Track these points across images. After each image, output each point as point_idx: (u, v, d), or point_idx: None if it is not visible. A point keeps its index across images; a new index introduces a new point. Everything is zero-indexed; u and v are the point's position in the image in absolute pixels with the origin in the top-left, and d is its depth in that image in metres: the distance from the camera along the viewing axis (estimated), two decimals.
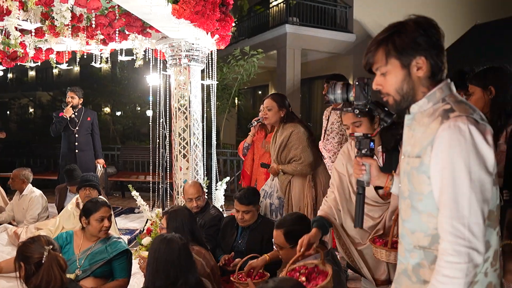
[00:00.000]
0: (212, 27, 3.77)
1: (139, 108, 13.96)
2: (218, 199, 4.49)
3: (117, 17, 3.27)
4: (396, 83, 1.35)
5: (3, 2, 2.28)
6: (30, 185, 4.76)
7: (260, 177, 3.83)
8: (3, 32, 3.42)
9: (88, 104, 15.28)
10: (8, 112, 23.54)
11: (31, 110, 23.83)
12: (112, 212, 2.95)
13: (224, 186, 4.56)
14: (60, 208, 4.79)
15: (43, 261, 1.99)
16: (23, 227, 4.28)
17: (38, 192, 4.77)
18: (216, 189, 4.57)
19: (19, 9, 2.76)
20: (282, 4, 11.96)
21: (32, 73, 25.81)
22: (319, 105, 13.06)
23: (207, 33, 3.92)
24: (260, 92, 15.64)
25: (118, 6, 3.16)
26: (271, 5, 12.95)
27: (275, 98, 3.32)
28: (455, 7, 12.48)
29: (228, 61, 8.70)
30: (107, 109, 17.86)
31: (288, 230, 2.25)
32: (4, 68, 4.60)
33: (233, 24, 4.04)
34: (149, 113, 4.83)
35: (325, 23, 11.87)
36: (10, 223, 4.69)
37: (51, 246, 2.05)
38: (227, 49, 5.24)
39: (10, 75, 26.10)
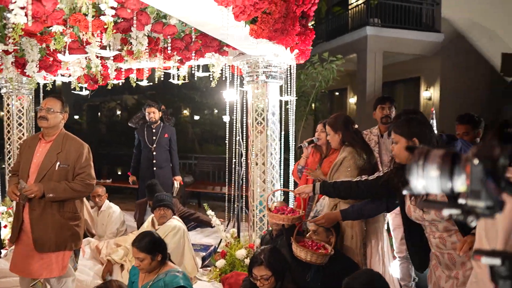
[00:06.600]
0: (292, 42, 3.55)
1: (216, 111, 14.24)
2: None
3: (193, 40, 3.17)
4: None
5: (83, 35, 2.26)
6: (107, 201, 4.88)
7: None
8: (86, 58, 3.49)
9: (169, 108, 15.90)
10: (99, 114, 25.47)
11: (118, 112, 25.48)
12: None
13: None
14: (140, 223, 4.87)
15: None
16: (104, 242, 4.39)
17: (116, 208, 4.88)
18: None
19: (100, 38, 2.75)
20: (362, 4, 11.37)
21: None
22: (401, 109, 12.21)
23: (286, 48, 3.71)
24: (337, 94, 15.10)
25: (194, 28, 3.05)
26: (350, 6, 12.36)
27: (329, 122, 3.19)
28: None
29: (306, 68, 8.41)
30: (186, 112, 18.50)
31: None
32: (91, 90, 4.74)
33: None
34: (226, 118, 4.74)
35: (409, 23, 11.10)
36: (92, 235, 4.83)
37: None
38: None
39: None
